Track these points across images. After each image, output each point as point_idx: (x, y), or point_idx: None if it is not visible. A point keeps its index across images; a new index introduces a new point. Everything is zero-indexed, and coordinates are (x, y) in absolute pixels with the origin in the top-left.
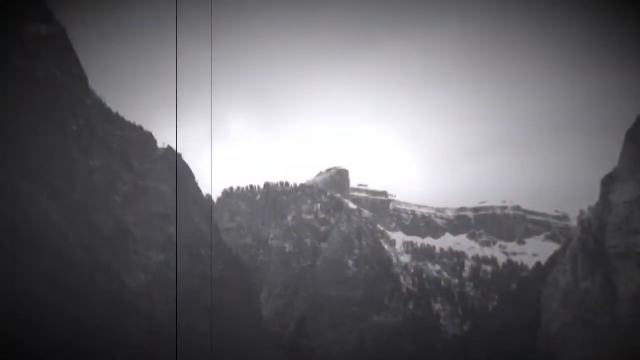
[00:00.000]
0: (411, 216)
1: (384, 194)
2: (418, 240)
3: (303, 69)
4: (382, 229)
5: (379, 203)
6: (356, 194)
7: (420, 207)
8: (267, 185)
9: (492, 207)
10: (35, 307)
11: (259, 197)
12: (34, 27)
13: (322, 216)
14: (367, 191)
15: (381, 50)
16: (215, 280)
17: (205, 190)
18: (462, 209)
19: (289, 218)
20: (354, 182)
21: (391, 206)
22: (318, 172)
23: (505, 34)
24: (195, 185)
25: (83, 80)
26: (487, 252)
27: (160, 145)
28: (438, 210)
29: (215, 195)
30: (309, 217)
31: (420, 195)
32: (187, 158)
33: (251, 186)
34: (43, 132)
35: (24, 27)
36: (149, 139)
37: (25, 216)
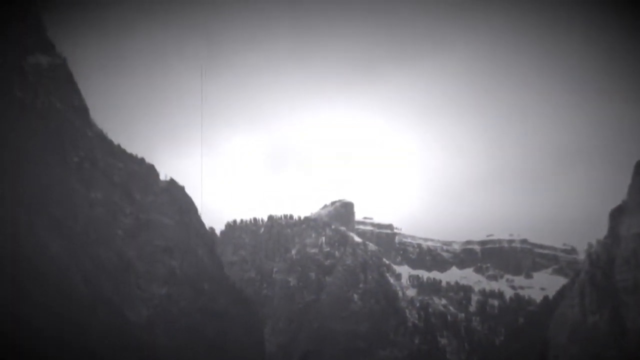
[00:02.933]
0: (417, 249)
1: (390, 227)
2: (424, 274)
3: (307, 99)
4: (387, 262)
5: (384, 236)
6: (361, 227)
7: (426, 240)
8: (270, 218)
9: (499, 240)
10: (36, 339)
11: (262, 230)
12: (34, 58)
13: (327, 249)
14: (372, 224)
15: (386, 81)
16: (219, 314)
17: (208, 224)
18: (469, 242)
19: (293, 251)
20: (359, 215)
21: (397, 239)
22: (322, 204)
23: (510, 63)
24: (198, 218)
25: (84, 111)
26: (494, 285)
27: (162, 177)
28: (444, 243)
29: (219, 228)
30: (313, 250)
31: (426, 228)
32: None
33: (255, 219)
34: (44, 164)
35: (25, 58)
36: (151, 171)
37: (26, 249)
